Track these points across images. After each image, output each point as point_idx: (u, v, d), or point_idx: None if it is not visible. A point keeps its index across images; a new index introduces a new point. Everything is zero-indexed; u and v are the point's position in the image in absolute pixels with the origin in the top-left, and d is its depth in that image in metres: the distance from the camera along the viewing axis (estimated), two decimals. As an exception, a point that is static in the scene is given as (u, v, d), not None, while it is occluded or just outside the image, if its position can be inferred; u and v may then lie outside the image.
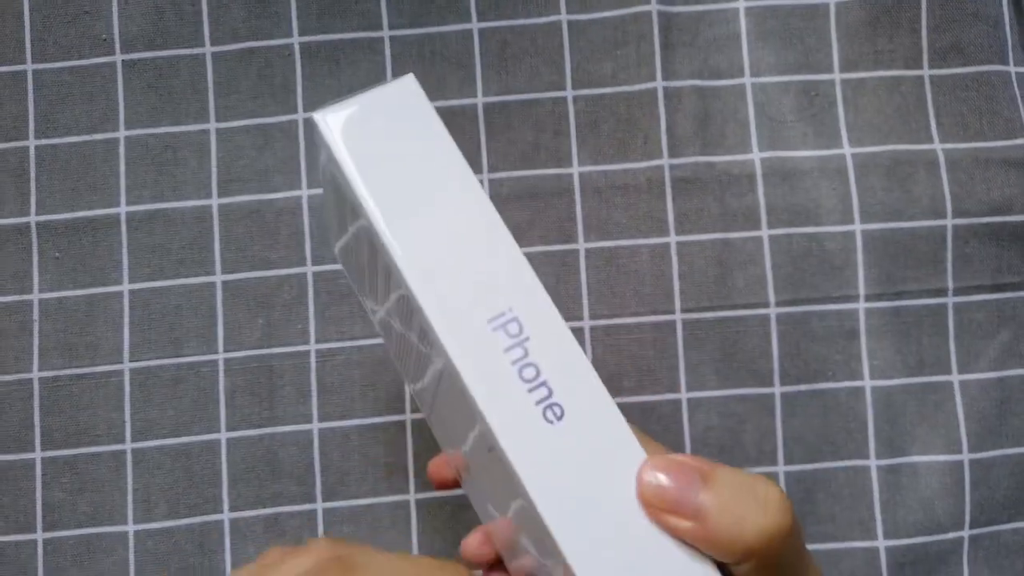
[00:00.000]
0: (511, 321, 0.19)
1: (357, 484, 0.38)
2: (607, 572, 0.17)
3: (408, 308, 0.20)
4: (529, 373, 0.18)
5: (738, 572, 0.18)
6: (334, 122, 0.20)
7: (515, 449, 0.18)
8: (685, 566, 0.18)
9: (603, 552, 0.17)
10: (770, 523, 0.17)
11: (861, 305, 0.38)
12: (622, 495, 0.18)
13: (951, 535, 0.38)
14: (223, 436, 0.38)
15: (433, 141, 0.21)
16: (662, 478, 0.17)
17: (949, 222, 0.38)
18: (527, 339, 0.19)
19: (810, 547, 0.37)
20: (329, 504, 0.38)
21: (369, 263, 0.22)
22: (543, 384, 0.18)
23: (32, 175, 0.39)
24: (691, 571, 0.18)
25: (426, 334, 0.19)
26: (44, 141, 0.39)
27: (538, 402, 0.18)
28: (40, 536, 0.38)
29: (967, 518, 0.38)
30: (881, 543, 0.38)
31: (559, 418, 0.18)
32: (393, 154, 0.20)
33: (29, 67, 0.40)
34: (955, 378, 0.38)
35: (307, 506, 0.38)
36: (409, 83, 0.21)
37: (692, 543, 0.18)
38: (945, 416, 0.38)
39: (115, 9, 0.40)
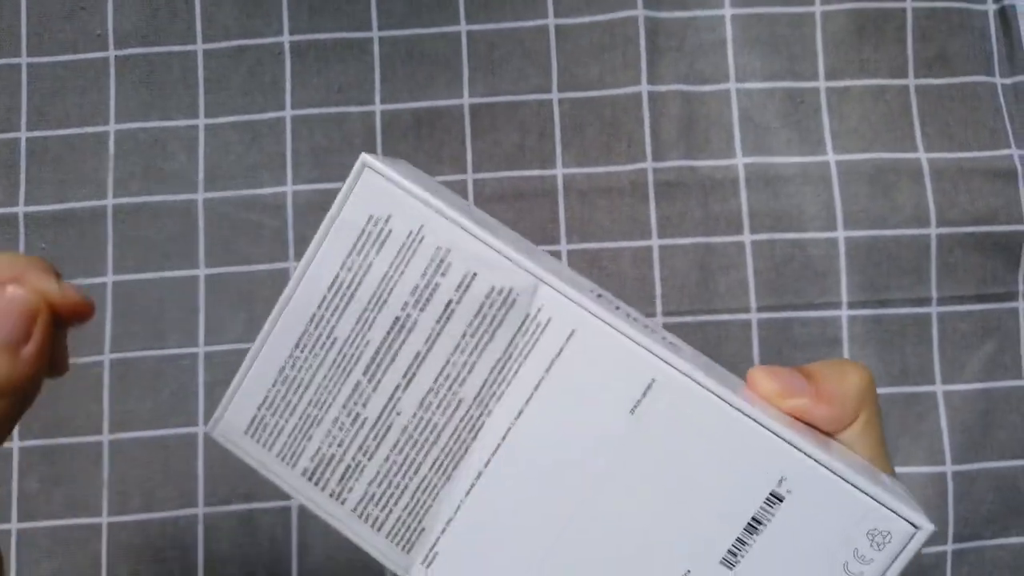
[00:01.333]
0: (601, 294, 0.20)
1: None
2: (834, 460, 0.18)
3: (499, 312, 0.19)
4: (639, 324, 0.19)
5: (850, 438, 0.20)
6: (375, 160, 0.20)
7: (687, 370, 0.18)
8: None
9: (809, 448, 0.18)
10: (864, 371, 0.20)
11: (844, 312, 0.38)
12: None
13: (934, 549, 0.37)
14: (201, 430, 0.38)
15: (432, 182, 0.22)
16: (772, 374, 0.20)
17: (933, 231, 0.38)
18: (619, 306, 0.20)
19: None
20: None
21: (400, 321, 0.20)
22: (652, 330, 0.20)
23: (22, 166, 0.40)
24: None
25: (538, 332, 0.19)
26: (35, 133, 0.40)
27: (661, 340, 0.19)
28: (14, 526, 0.38)
29: (950, 532, 0.37)
30: (862, 555, 0.37)
31: (679, 349, 0.19)
32: (423, 187, 0.20)
33: (24, 60, 0.40)
34: (939, 388, 0.38)
35: (282, 503, 0.38)
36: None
37: (811, 418, 0.19)
38: (928, 427, 0.38)
39: (110, 5, 0.40)
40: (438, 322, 0.19)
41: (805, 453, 0.18)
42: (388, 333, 0.19)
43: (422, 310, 0.19)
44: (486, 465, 0.19)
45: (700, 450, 0.18)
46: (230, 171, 0.40)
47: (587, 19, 0.40)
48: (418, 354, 0.19)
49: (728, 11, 0.40)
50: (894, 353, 0.38)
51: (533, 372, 0.19)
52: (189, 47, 0.40)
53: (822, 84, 0.39)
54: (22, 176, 0.40)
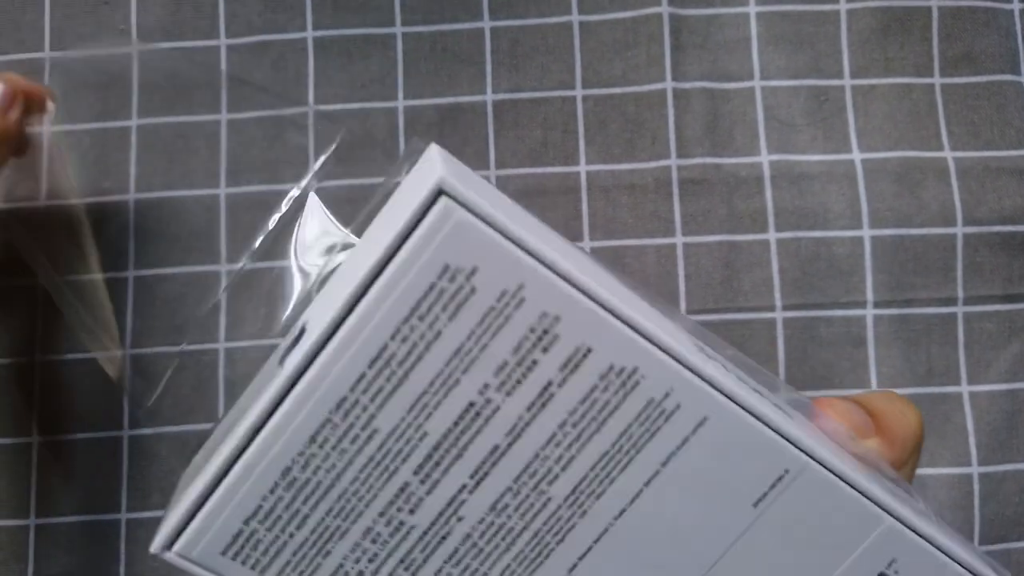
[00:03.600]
0: (696, 340, 0.17)
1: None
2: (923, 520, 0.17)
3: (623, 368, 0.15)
4: (734, 375, 0.16)
5: (905, 474, 0.19)
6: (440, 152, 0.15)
7: (823, 458, 0.16)
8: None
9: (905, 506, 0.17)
10: (919, 414, 0.19)
11: (869, 312, 0.38)
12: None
13: (960, 551, 0.37)
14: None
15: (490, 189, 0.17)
16: (841, 414, 0.19)
17: (960, 230, 0.38)
18: (704, 347, 0.17)
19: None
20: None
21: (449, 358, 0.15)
22: (746, 383, 0.17)
23: (43, 161, 0.40)
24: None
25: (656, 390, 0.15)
26: (57, 127, 0.40)
27: (760, 396, 0.16)
28: (32, 522, 0.37)
29: (976, 534, 0.37)
30: (887, 557, 0.37)
31: (777, 407, 0.17)
32: (521, 224, 0.15)
33: (47, 55, 0.40)
34: (964, 389, 0.38)
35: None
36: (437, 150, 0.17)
37: (878, 459, 0.18)
38: (954, 428, 0.37)
39: (134, 0, 0.40)
40: (530, 410, 0.15)
41: (917, 532, 0.16)
42: (456, 423, 0.15)
43: (509, 394, 0.15)
44: (570, 572, 0.16)
45: (821, 537, 0.16)
46: (252, 166, 0.39)
47: (611, 16, 0.40)
48: (496, 448, 0.15)
49: (753, 8, 0.40)
50: (919, 353, 0.38)
51: (646, 467, 0.15)
52: (212, 42, 0.40)
53: (847, 82, 0.39)
54: (43, 171, 0.39)
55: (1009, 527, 0.37)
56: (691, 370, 0.15)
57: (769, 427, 0.15)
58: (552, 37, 0.40)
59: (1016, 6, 0.40)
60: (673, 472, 0.15)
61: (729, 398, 0.15)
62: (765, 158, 0.39)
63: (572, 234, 0.38)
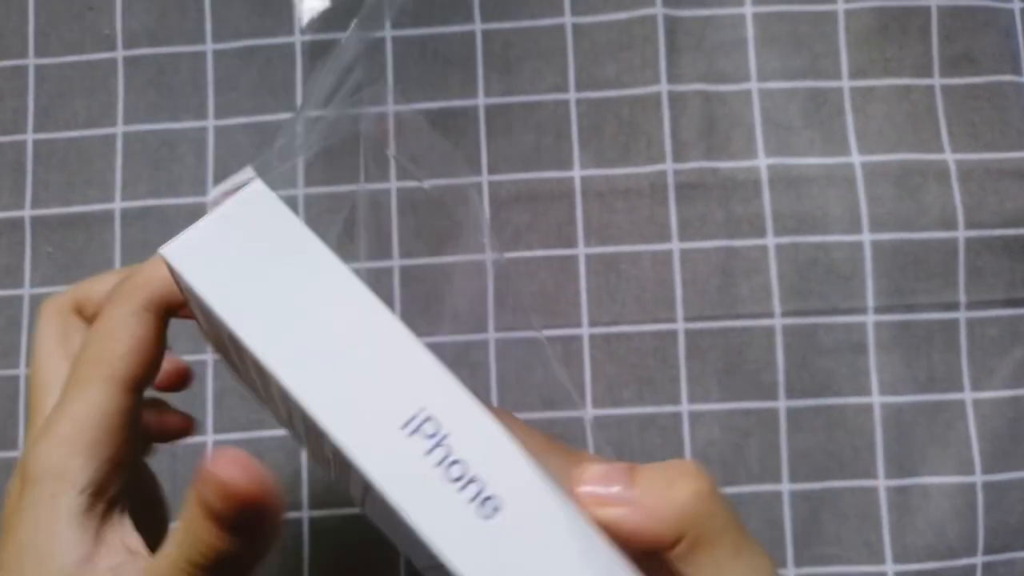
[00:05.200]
0: (426, 421, 0.18)
1: (344, 493, 0.37)
2: None
3: (314, 428, 0.18)
4: (456, 471, 0.17)
5: (678, 557, 0.17)
6: (178, 252, 0.19)
7: (458, 559, 0.17)
8: None
9: None
10: (696, 483, 0.17)
11: (870, 318, 0.37)
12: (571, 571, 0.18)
13: (963, 561, 0.36)
14: (209, 438, 0.37)
15: (295, 243, 0.19)
16: (592, 478, 0.18)
17: (961, 234, 0.37)
18: (447, 436, 0.18)
19: (814, 570, 0.36)
20: (316, 513, 0.37)
21: (262, 385, 0.20)
22: (472, 480, 0.17)
23: (28, 169, 0.39)
24: None
25: (338, 453, 0.18)
26: (42, 135, 0.39)
27: (471, 500, 0.17)
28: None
29: (980, 543, 0.36)
30: (890, 567, 0.36)
31: (496, 510, 0.17)
32: (253, 267, 0.18)
33: (31, 61, 0.40)
34: (967, 396, 0.37)
35: (293, 514, 0.37)
36: (256, 188, 0.20)
37: (630, 531, 0.17)
38: (957, 435, 0.37)
39: (119, 5, 0.40)
40: None
41: None
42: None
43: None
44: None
45: None
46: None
47: (604, 17, 0.39)
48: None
49: (748, 9, 0.39)
50: (921, 359, 0.37)
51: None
52: (198, 47, 0.39)
53: (845, 84, 0.39)
54: (28, 179, 0.39)
55: (1013, 536, 0.36)
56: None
57: (397, 507, 0.17)
58: (545, 39, 0.39)
59: (1016, 5, 0.39)
60: None
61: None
62: (763, 161, 0.38)
63: (566, 240, 0.38)
